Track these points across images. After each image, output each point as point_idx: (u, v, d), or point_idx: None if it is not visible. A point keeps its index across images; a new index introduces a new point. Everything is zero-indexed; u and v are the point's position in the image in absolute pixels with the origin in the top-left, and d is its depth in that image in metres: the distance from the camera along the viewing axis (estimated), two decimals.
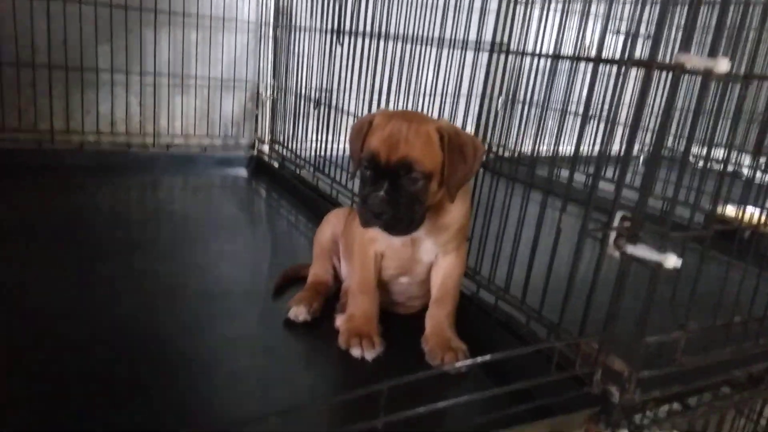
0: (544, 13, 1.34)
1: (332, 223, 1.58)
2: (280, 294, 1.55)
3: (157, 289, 1.54)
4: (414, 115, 1.30)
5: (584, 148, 1.37)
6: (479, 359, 1.03)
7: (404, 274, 1.39)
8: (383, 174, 1.21)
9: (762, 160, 2.76)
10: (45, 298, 1.43)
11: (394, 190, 1.20)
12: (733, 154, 1.96)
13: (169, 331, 1.34)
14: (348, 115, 2.28)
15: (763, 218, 1.32)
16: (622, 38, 1.92)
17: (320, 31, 2.35)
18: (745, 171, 2.54)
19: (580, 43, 1.30)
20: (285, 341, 1.37)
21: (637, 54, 1.04)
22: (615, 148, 1.24)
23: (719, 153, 1.19)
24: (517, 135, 1.53)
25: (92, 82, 2.63)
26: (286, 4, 2.78)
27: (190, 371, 1.19)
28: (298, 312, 1.40)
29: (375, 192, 1.19)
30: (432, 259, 1.37)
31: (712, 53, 0.96)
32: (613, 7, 1.56)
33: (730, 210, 1.79)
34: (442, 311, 1.34)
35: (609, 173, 2.34)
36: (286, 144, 2.78)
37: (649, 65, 0.97)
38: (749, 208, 1.71)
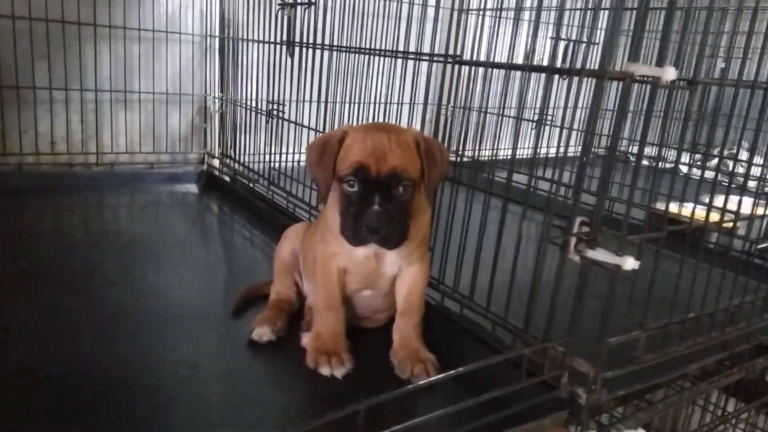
0: (495, 22, 1.37)
1: (291, 240, 1.56)
2: (240, 314, 1.52)
3: (110, 316, 1.47)
4: (387, 126, 1.31)
5: (541, 152, 1.40)
6: (452, 372, 1.03)
7: (368, 287, 1.38)
8: (373, 187, 1.19)
9: (697, 156, 2.90)
10: None
11: (387, 202, 1.19)
12: (671, 153, 2.05)
13: (126, 359, 1.28)
14: (301, 126, 2.26)
15: (708, 215, 1.38)
16: (565, 44, 1.99)
17: (269, 42, 2.32)
18: (684, 168, 2.67)
19: (530, 52, 1.33)
20: (250, 363, 1.33)
21: (579, 57, 1.07)
22: (553, 149, 1.28)
23: (660, 153, 1.24)
24: (474, 141, 1.55)
25: (29, 100, 2.51)
26: (232, 15, 2.74)
27: (151, 400, 1.14)
28: (262, 332, 1.37)
29: (368, 207, 1.18)
30: (395, 271, 1.36)
31: (660, 62, 1.00)
32: (560, 14, 1.61)
33: (673, 207, 1.86)
34: (409, 323, 1.34)
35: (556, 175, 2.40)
36: (237, 158, 2.73)
37: (600, 75, 1.00)
38: (689, 205, 1.80)
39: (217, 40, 2.87)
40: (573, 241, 1.07)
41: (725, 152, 2.43)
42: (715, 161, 2.14)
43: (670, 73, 0.96)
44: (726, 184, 1.52)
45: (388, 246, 1.23)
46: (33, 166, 2.57)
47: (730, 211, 1.35)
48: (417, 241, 1.33)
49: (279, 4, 2.16)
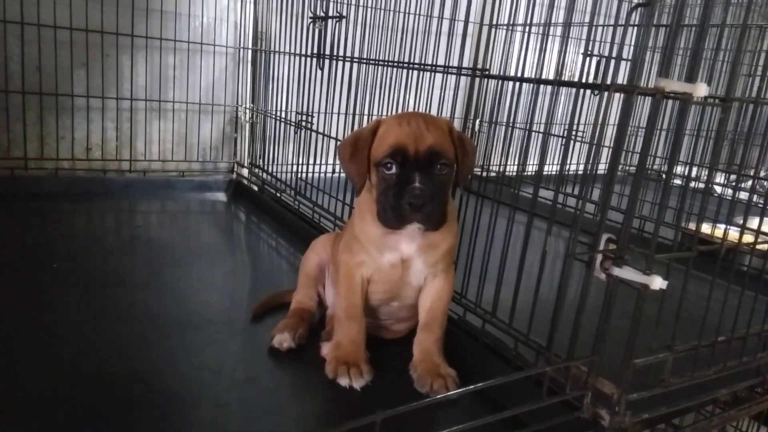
0: (525, 37, 1.36)
1: (318, 252, 1.56)
2: (259, 320, 1.53)
3: (137, 320, 1.50)
4: (419, 113, 1.33)
5: (568, 168, 1.38)
6: (472, 387, 1.02)
7: (392, 298, 1.38)
8: (413, 167, 1.20)
9: (732, 177, 2.83)
10: (20, 331, 1.38)
11: (429, 178, 1.20)
12: (704, 172, 2.00)
13: (151, 362, 1.30)
14: (329, 138, 2.28)
15: (743, 236, 1.34)
16: (595, 61, 1.97)
17: (300, 55, 2.35)
18: (718, 189, 2.61)
19: (561, 67, 1.32)
20: (269, 371, 1.34)
21: (609, 73, 1.05)
22: (581, 166, 1.27)
23: (691, 172, 1.21)
24: (501, 156, 1.54)
25: (67, 107, 2.59)
26: (264, 28, 2.79)
27: (174, 403, 1.16)
28: (283, 339, 1.38)
29: (410, 185, 1.18)
30: (421, 282, 1.35)
31: (690, 78, 0.98)
32: (591, 30, 1.59)
33: (706, 228, 1.82)
34: (431, 337, 1.33)
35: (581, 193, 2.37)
36: (265, 168, 2.77)
37: (630, 90, 0.99)
38: (721, 226, 1.75)
39: (249, 52, 2.92)
40: (599, 258, 1.05)
41: (761, 173, 2.37)
42: (750, 182, 2.08)
43: (701, 90, 0.94)
44: (762, 206, 1.47)
45: (429, 224, 1.22)
46: (68, 172, 2.64)
47: (765, 233, 1.31)
48: (444, 250, 1.33)
49: (310, 18, 2.19)
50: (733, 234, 1.31)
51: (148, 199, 2.69)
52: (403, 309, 1.41)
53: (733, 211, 1.40)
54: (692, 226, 1.20)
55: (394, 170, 1.22)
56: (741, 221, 1.33)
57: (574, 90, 1.17)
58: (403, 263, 1.32)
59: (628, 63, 1.03)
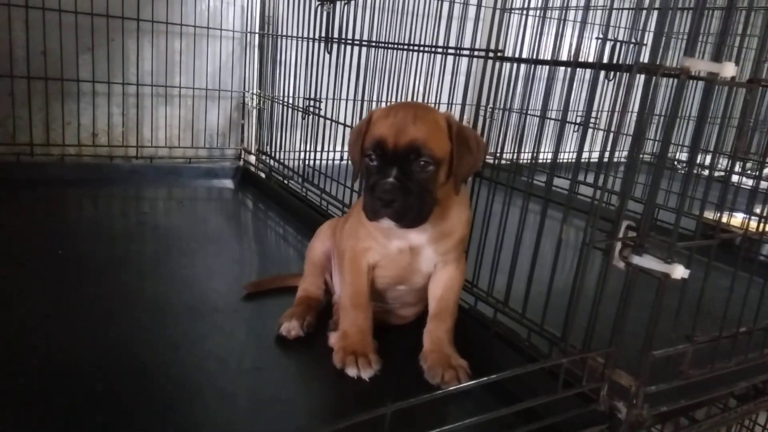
0: (538, 21, 1.32)
1: (323, 239, 1.53)
2: (268, 310, 1.50)
3: (142, 307, 1.48)
4: (416, 104, 1.28)
5: (585, 155, 1.34)
6: (485, 379, 0.99)
7: (400, 283, 1.35)
8: (391, 160, 1.16)
9: (749, 165, 2.77)
10: (27, 316, 1.36)
11: (404, 176, 1.15)
12: (724, 161, 1.96)
13: (158, 349, 1.28)
14: (337, 124, 2.24)
15: (761, 226, 1.30)
16: (611, 45, 1.91)
17: (307, 39, 2.31)
18: (735, 178, 2.55)
19: (578, 49, 1.28)
20: (277, 360, 1.31)
21: (627, 57, 1.01)
22: (595, 153, 1.23)
23: (714, 160, 1.17)
24: (513, 143, 1.50)
25: (73, 92, 2.56)
26: (272, 12, 2.75)
27: (180, 391, 1.13)
28: (291, 327, 1.35)
29: (383, 179, 1.14)
30: (431, 269, 1.32)
31: (717, 58, 0.94)
32: (609, 14, 1.54)
33: (723, 218, 1.78)
34: (442, 327, 1.29)
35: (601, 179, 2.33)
36: (273, 154, 2.73)
37: (654, 70, 0.94)
38: (738, 215, 1.70)
39: (256, 36, 2.88)
40: (618, 246, 1.01)
41: None
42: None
43: (729, 69, 0.90)
44: None
45: (401, 223, 1.17)
46: (74, 158, 2.62)
47: None
48: (456, 239, 1.29)
49: (318, 1, 2.14)
50: (752, 223, 1.27)
51: (154, 186, 2.66)
52: (410, 293, 1.38)
53: (753, 200, 1.36)
54: (708, 215, 1.16)
55: (375, 162, 1.18)
56: (759, 211, 1.29)
57: (589, 76, 1.12)
58: (411, 251, 1.29)
59: (645, 47, 0.99)
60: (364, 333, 1.29)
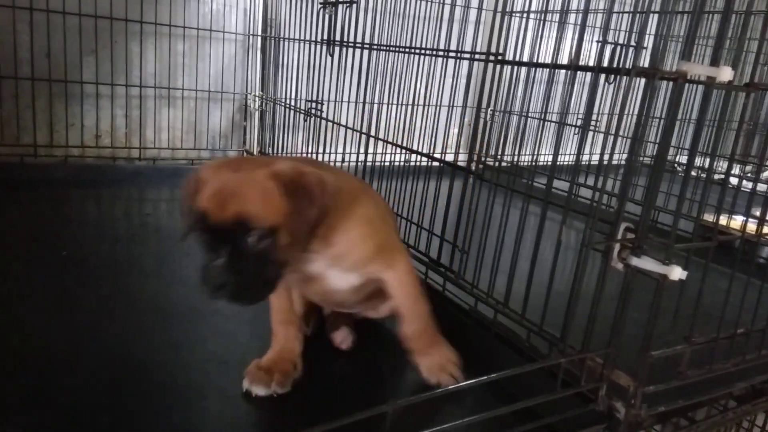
0: (539, 25, 1.33)
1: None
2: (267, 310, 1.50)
3: (144, 308, 1.49)
4: (246, 162, 1.12)
5: (584, 158, 1.35)
6: (485, 378, 1.00)
7: (332, 299, 1.30)
8: (219, 237, 0.98)
9: (748, 168, 2.78)
10: (29, 318, 1.37)
11: (237, 254, 0.97)
12: (722, 163, 1.96)
13: (159, 350, 1.29)
14: (339, 126, 2.25)
15: (761, 228, 1.31)
16: (611, 48, 1.93)
17: (309, 42, 2.32)
18: (734, 180, 2.56)
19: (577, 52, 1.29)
20: None
21: (626, 61, 1.02)
22: (595, 156, 1.24)
23: (713, 162, 1.18)
24: (513, 145, 1.51)
25: (76, 94, 2.58)
26: (274, 15, 2.76)
27: (181, 392, 1.15)
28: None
29: (214, 260, 0.97)
30: (355, 281, 1.23)
31: (714, 62, 0.95)
32: (608, 17, 1.56)
33: (722, 220, 1.78)
34: (415, 330, 1.25)
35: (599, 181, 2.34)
36: (275, 156, 2.75)
37: (652, 74, 0.96)
38: (738, 217, 1.71)
39: (259, 39, 2.90)
40: (617, 247, 1.02)
41: None
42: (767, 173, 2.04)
43: (726, 74, 0.91)
44: None
45: (241, 303, 1.04)
46: (78, 159, 2.63)
47: None
48: (356, 258, 1.18)
49: (320, 3, 2.16)
50: (750, 226, 1.28)
51: (157, 187, 2.67)
52: (359, 304, 1.33)
53: (751, 202, 1.37)
54: (707, 217, 1.17)
55: (204, 237, 0.99)
56: (758, 213, 1.29)
57: (588, 78, 1.14)
58: (318, 276, 1.19)
59: (645, 50, 1.00)
60: (290, 351, 1.23)
